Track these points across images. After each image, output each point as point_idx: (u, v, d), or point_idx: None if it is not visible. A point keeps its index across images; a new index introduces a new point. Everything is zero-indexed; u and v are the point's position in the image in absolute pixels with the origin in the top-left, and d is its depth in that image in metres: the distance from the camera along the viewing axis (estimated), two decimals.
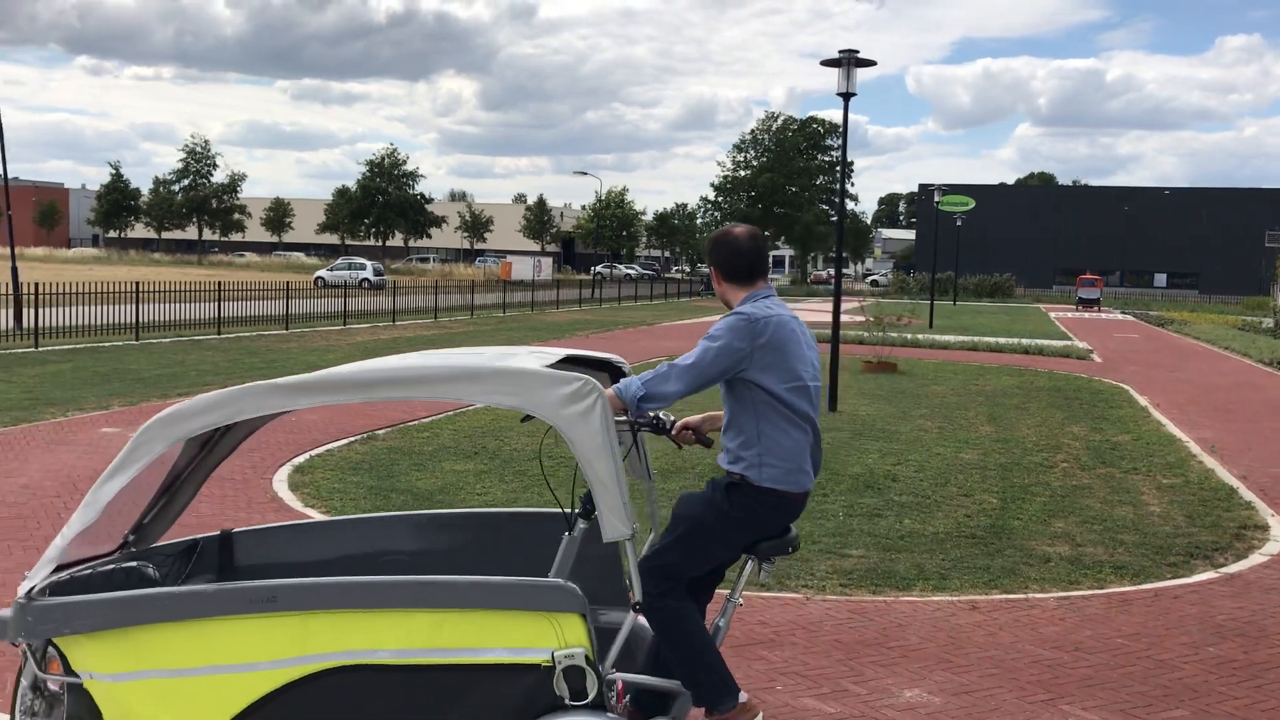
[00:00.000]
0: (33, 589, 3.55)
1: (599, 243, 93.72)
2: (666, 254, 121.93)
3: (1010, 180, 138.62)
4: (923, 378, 19.84)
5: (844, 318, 26.50)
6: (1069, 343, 30.33)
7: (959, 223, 55.44)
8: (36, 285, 22.22)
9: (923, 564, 7.50)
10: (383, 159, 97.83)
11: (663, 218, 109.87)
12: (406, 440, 11.77)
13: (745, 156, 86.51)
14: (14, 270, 24.42)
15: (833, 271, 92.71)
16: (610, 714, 3.49)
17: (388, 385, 3.54)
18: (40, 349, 20.53)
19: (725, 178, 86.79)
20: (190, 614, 3.48)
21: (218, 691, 3.52)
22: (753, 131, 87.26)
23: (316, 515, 8.36)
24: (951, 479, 10.54)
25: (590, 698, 3.45)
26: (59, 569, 3.68)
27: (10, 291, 23.00)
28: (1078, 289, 63.90)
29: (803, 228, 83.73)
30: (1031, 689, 5.31)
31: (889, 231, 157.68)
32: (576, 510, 4.00)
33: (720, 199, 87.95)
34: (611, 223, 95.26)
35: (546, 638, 3.46)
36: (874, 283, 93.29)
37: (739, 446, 3.91)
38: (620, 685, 3.66)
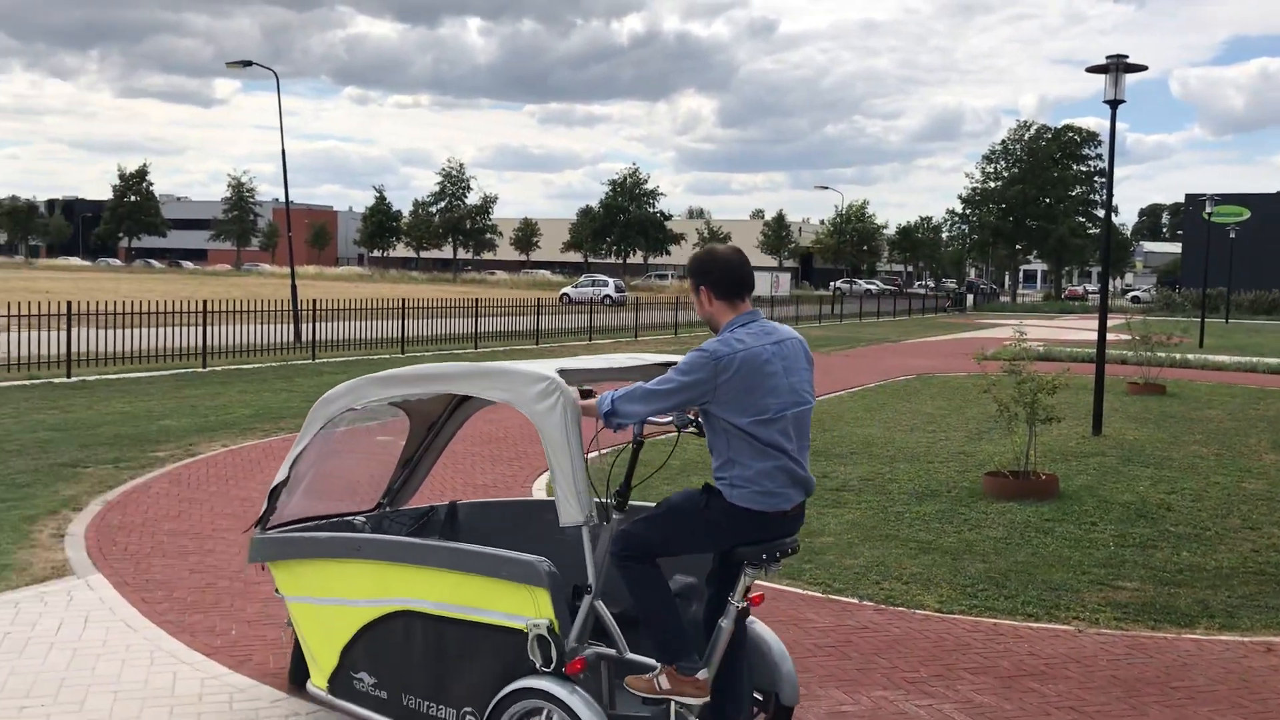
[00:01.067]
0: (256, 526, 4.90)
1: (839, 258, 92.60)
2: (909, 269, 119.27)
3: None
4: (1194, 401, 18.55)
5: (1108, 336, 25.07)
6: None
7: (1232, 235, 51.62)
8: (314, 302, 23.91)
9: (1206, 600, 7.00)
10: (624, 178, 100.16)
11: (906, 231, 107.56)
12: (650, 453, 11.91)
13: (995, 168, 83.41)
14: (293, 288, 26.40)
15: (1088, 287, 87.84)
16: (570, 682, 3.83)
17: (426, 380, 4.33)
18: (316, 361, 22.07)
19: (973, 189, 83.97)
20: (314, 554, 4.55)
21: (337, 620, 4.50)
22: (1003, 141, 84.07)
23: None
24: (1234, 510, 9.79)
25: (553, 666, 3.85)
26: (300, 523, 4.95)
27: (290, 308, 24.86)
28: None
29: (1056, 241, 79.92)
30: None
31: (1150, 245, 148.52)
32: (611, 502, 4.25)
33: (968, 211, 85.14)
34: (852, 237, 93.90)
35: (526, 607, 3.93)
36: (1135, 299, 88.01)
37: (717, 467, 4.04)
38: (582, 657, 3.93)
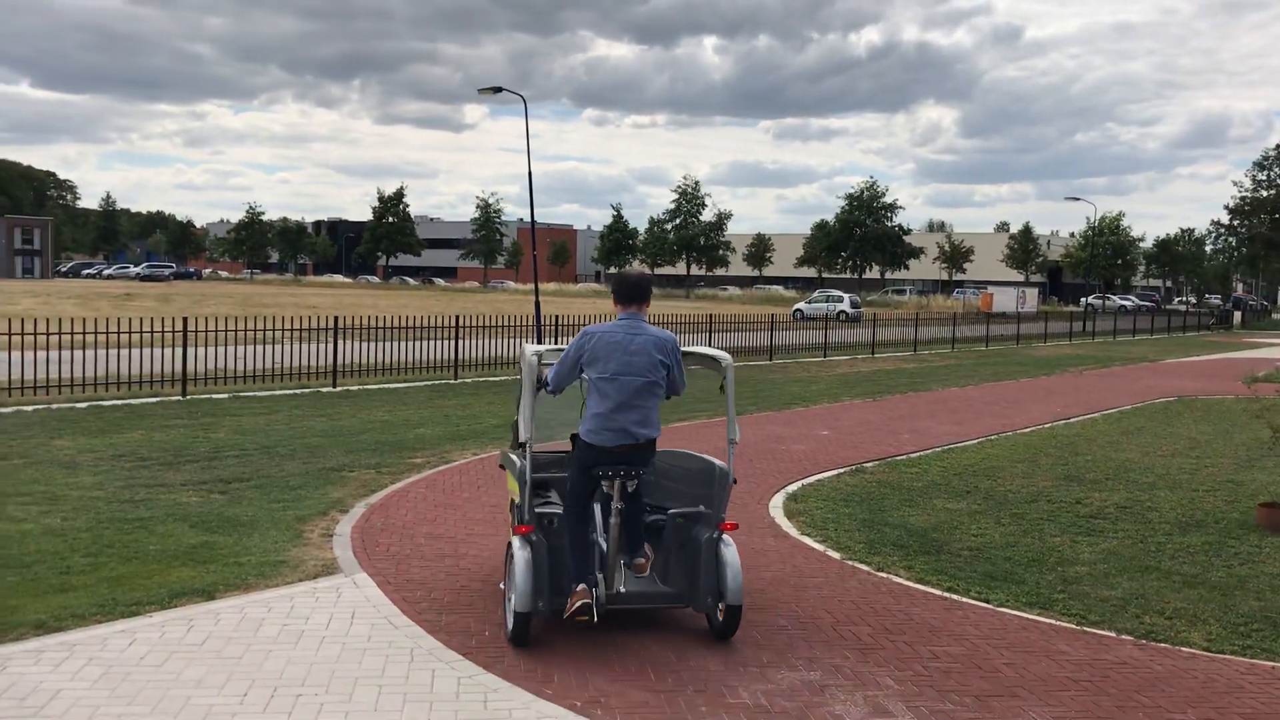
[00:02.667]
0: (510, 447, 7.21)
1: (1090, 272, 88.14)
2: (1168, 284, 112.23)
3: None
4: None
5: None
6: None
7: None
8: (557, 318, 24.70)
9: None
10: (861, 192, 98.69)
11: (1164, 245, 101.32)
12: (895, 475, 11.70)
13: (1268, 175, 77.37)
14: (537, 304, 27.36)
15: None
16: (520, 537, 6.12)
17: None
18: None
19: (1242, 199, 78.15)
20: (508, 468, 7.05)
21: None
22: (1277, 147, 77.99)
23: (813, 543, 8.53)
24: None
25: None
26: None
27: (533, 323, 25.78)
28: None
29: None
30: None
31: None
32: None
33: (1235, 222, 79.35)
34: (1105, 250, 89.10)
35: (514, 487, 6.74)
36: None
37: (581, 420, 6.05)
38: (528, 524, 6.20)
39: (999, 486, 11.11)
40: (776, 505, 9.97)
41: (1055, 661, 5.97)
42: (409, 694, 5.22)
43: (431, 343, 21.55)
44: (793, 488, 10.83)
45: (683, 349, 6.54)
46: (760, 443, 13.72)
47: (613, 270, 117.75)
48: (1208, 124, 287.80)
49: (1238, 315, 69.19)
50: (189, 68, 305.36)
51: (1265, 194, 77.00)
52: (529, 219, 30.49)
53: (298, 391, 18.11)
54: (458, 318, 22.13)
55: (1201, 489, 11.21)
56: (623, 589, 6.13)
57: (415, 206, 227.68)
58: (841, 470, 11.88)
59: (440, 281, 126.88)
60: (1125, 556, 8.32)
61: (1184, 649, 6.26)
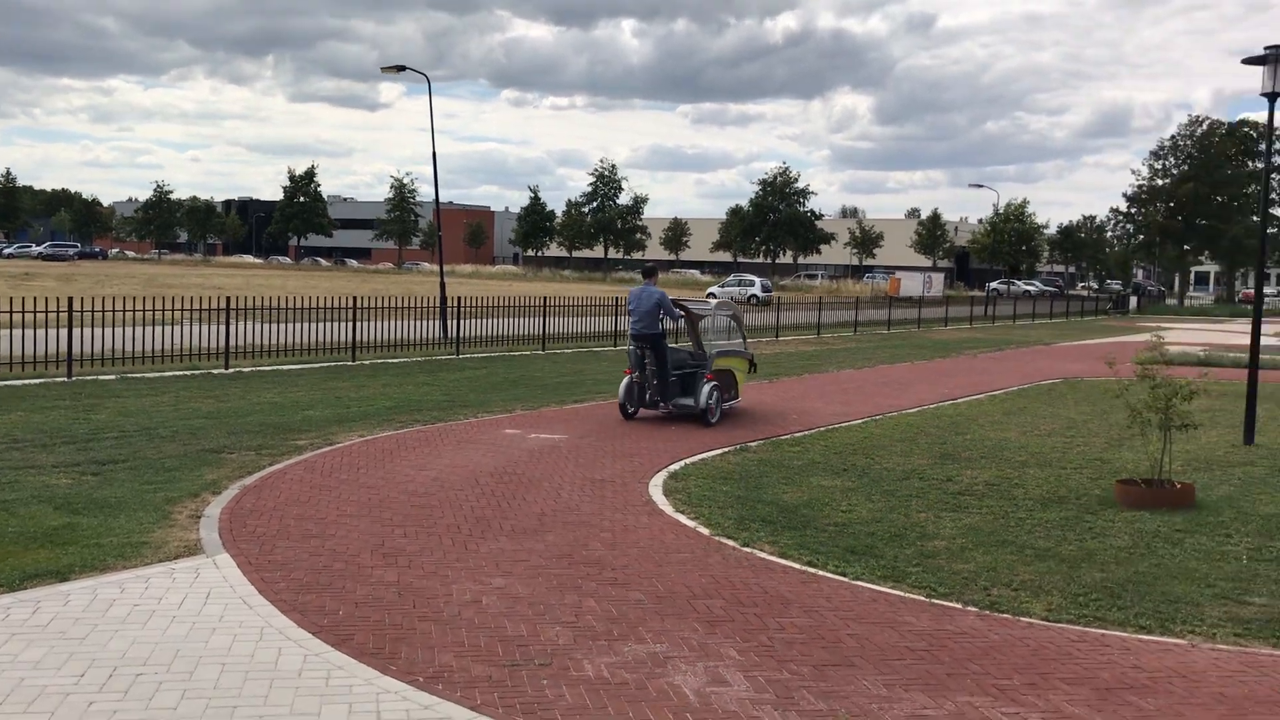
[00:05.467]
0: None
1: (995, 258, 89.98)
2: (1071, 269, 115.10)
3: None
4: None
5: (1275, 340, 23.81)
6: None
7: None
8: (459, 300, 24.60)
9: None
10: (774, 177, 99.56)
11: (1067, 231, 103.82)
12: (777, 453, 11.92)
13: (1164, 164, 79.63)
14: (442, 286, 27.20)
15: (1266, 290, 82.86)
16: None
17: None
18: (461, 356, 22.71)
19: (1140, 187, 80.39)
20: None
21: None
22: (1173, 137, 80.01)
23: (685, 520, 8.67)
24: None
25: None
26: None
27: (438, 304, 25.64)
28: None
29: (1230, 241, 75.83)
30: None
31: None
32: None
33: (1133, 210, 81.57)
34: (1010, 237, 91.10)
35: None
36: None
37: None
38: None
39: (876, 464, 11.38)
40: (656, 484, 10.09)
41: (898, 632, 6.17)
42: (251, 672, 5.22)
43: (331, 324, 21.33)
44: (675, 467, 10.97)
45: (674, 300, 14.62)
46: (649, 423, 13.85)
47: (530, 253, 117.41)
48: (1112, 114, 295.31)
49: (1134, 300, 71.28)
50: (95, 42, 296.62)
51: (1161, 183, 79.26)
52: (441, 200, 30.27)
53: (188, 373, 17.80)
54: (355, 298, 21.92)
55: (1070, 467, 11.60)
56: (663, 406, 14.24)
57: (330, 186, 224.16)
58: (726, 449, 12.06)
59: (353, 262, 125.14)
60: (984, 531, 8.60)
61: (1024, 619, 6.51)
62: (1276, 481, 11.08)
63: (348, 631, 5.84)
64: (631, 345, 14.08)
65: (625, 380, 14.20)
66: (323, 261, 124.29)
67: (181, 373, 17.80)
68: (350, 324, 21.23)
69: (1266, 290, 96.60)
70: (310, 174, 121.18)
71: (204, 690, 4.99)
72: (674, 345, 15.26)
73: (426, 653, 5.56)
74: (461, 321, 23.84)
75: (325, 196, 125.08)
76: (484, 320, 24.87)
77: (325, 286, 52.75)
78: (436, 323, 25.11)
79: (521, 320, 25.80)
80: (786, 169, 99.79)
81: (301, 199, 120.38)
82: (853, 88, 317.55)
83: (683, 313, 14.87)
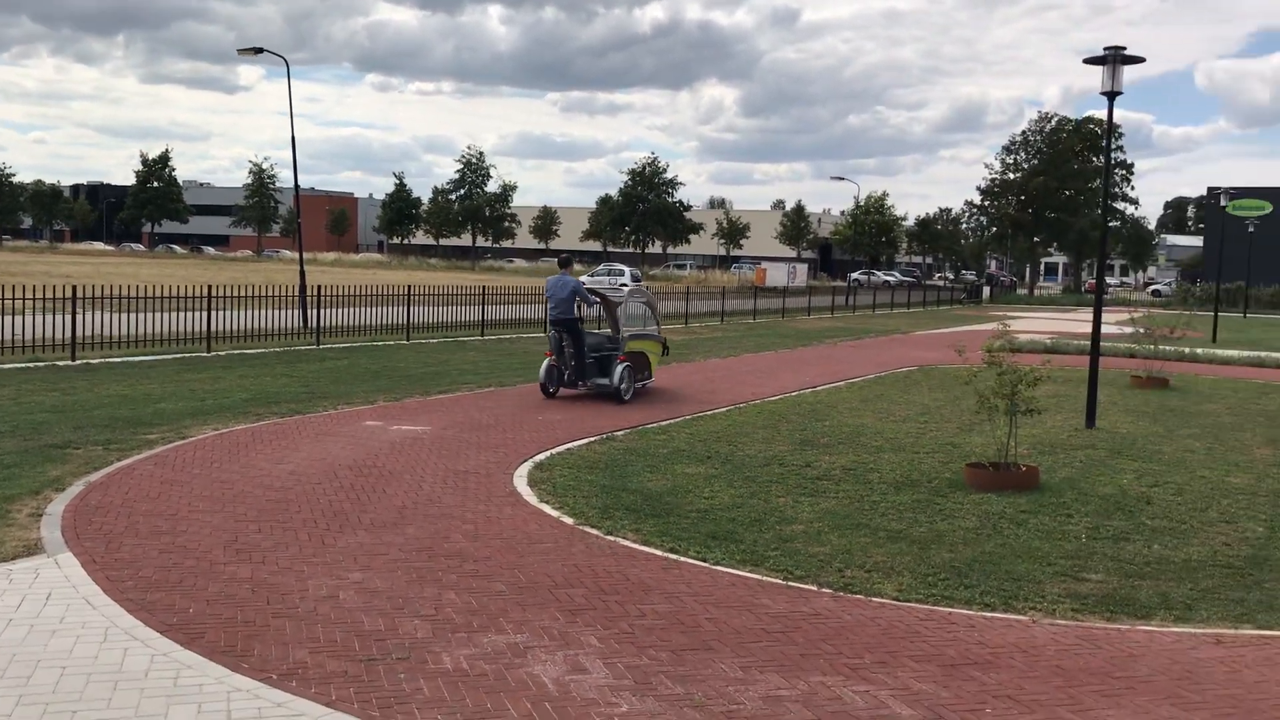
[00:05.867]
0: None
1: (857, 249, 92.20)
2: (929, 260, 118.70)
3: None
4: (1197, 395, 18.47)
5: (1116, 329, 25.01)
6: None
7: (1251, 229, 51.15)
8: (320, 288, 24.06)
9: (1168, 592, 7.01)
10: (643, 168, 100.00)
11: (925, 223, 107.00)
12: (643, 442, 12.01)
13: (1015, 159, 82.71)
14: (301, 274, 26.57)
15: (1109, 281, 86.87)
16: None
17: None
18: (321, 346, 22.23)
19: (993, 181, 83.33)
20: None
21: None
22: (1024, 133, 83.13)
23: (549, 510, 8.67)
24: (1214, 504, 9.78)
25: None
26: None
27: (298, 293, 25.02)
28: None
29: (1077, 234, 79.24)
30: None
31: (1175, 238, 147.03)
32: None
33: (986, 203, 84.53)
34: (870, 228, 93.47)
35: None
36: (1155, 292, 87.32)
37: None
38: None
39: (739, 451, 11.56)
40: (521, 475, 10.06)
41: (755, 615, 6.29)
42: (94, 674, 5.04)
43: (185, 314, 20.63)
44: (541, 457, 10.95)
45: (587, 286, 15.90)
46: (518, 414, 13.80)
47: (395, 240, 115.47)
48: (967, 110, 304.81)
49: (987, 290, 73.93)
50: None
51: (1012, 177, 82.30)
52: (302, 186, 29.52)
53: (30, 365, 17.01)
54: (211, 287, 21.23)
55: (922, 451, 11.99)
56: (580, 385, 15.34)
57: (185, 171, 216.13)
58: (593, 439, 12.10)
59: (210, 250, 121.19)
60: (841, 515, 8.83)
61: (875, 599, 6.71)
62: (1115, 463, 11.65)
63: (198, 630, 5.67)
64: (550, 330, 15.53)
65: (545, 362, 15.44)
66: (178, 249, 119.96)
67: (24, 365, 17.00)
68: (205, 313, 20.57)
69: (1109, 281, 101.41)
70: (165, 158, 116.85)
71: (41, 695, 4.79)
72: (594, 330, 16.79)
73: (280, 649, 5.44)
74: (322, 311, 23.33)
75: (181, 182, 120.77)
76: (346, 309, 24.38)
77: (180, 275, 50.93)
78: (296, 312, 24.50)
79: (385, 309, 25.38)
80: (655, 159, 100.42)
81: (155, 184, 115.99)
82: (720, 79, 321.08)
83: (598, 299, 16.46)
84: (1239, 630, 6.34)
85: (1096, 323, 15.15)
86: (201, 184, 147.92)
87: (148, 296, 20.42)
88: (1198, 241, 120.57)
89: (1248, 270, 59.33)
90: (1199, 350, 25.95)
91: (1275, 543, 8.41)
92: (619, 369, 15.07)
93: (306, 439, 11.45)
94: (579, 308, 15.45)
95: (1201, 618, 6.54)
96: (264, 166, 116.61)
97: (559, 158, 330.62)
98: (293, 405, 13.83)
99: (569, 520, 8.39)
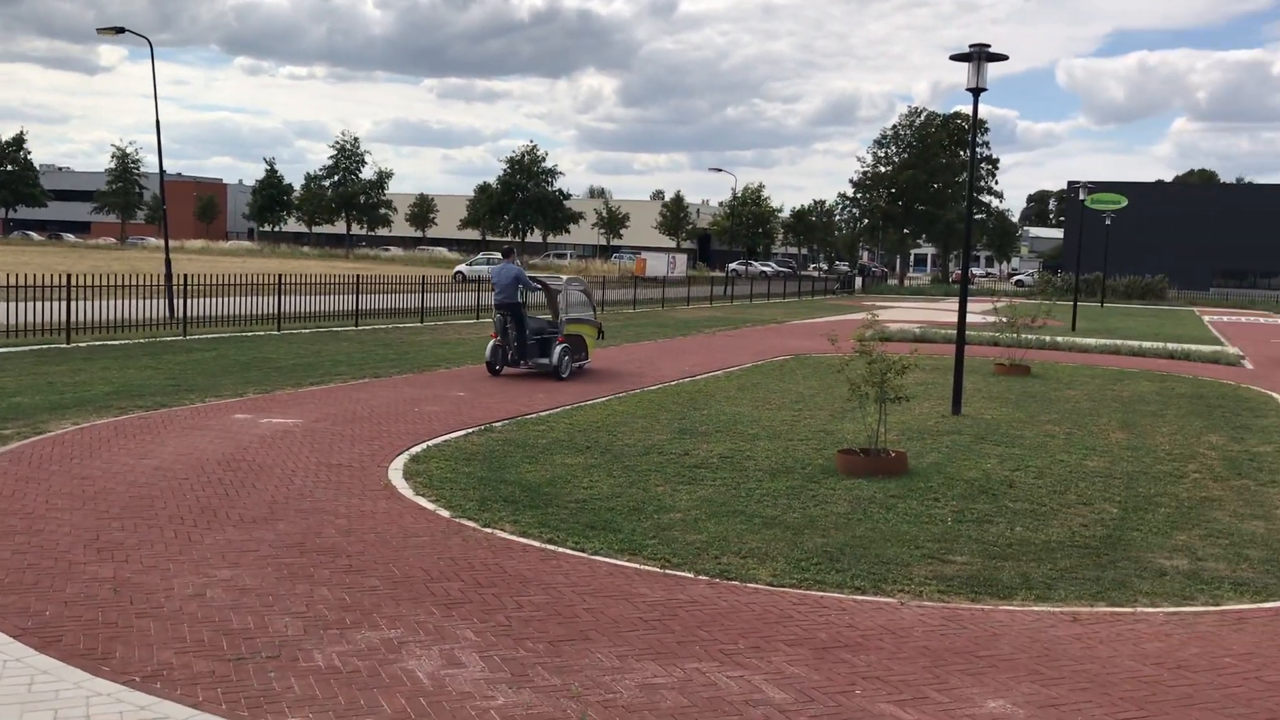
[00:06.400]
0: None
1: (735, 240, 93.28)
2: (804, 251, 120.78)
3: (1168, 177, 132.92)
4: (1056, 381, 19.22)
5: (980, 319, 25.88)
6: (1219, 348, 28.96)
7: (1108, 221, 53.42)
8: (186, 277, 23.31)
9: (1029, 573, 7.29)
10: (522, 156, 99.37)
11: (800, 215, 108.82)
12: (522, 433, 11.96)
13: (886, 153, 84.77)
14: (167, 262, 25.70)
15: (975, 272, 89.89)
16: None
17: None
18: (188, 337, 21.55)
19: (865, 174, 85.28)
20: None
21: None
22: (894, 127, 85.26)
23: (425, 503, 8.58)
24: (1072, 487, 10.19)
25: None
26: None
27: (164, 283, 24.19)
28: None
29: (944, 226, 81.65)
30: (1123, 705, 5.11)
31: (1037, 230, 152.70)
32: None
33: (859, 195, 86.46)
34: (747, 220, 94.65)
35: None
36: (1019, 283, 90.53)
37: None
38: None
39: (618, 441, 11.60)
40: (396, 467, 9.92)
41: (632, 603, 6.33)
42: None
43: (43, 303, 19.76)
44: (417, 449, 10.82)
45: (532, 276, 17.57)
46: (393, 405, 13.60)
47: (266, 228, 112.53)
48: (841, 103, 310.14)
49: (859, 281, 75.66)
50: None
51: (884, 170, 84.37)
52: (168, 171, 28.52)
53: None
54: (69, 275, 20.39)
55: (797, 439, 12.22)
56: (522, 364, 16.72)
57: (42, 155, 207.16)
58: (471, 430, 12.00)
59: (70, 237, 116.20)
60: (717, 502, 8.94)
61: (750, 585, 6.82)
62: (980, 448, 12.05)
63: (55, 633, 5.45)
64: (496, 314, 17.10)
65: (491, 343, 17.07)
66: (35, 235, 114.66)
67: None
68: (65, 303, 19.74)
69: (975, 271, 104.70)
70: (19, 140, 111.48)
71: None
72: (536, 316, 18.05)
73: (144, 651, 5.27)
74: (190, 300, 22.61)
75: (38, 165, 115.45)
76: (215, 299, 23.68)
77: (38, 262, 48.72)
78: (162, 302, 23.69)
79: (256, 299, 24.70)
80: (534, 148, 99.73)
81: (10, 168, 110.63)
82: (598, 69, 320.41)
83: (540, 286, 17.87)
84: (1094, 608, 6.62)
85: (962, 313, 15.63)
86: (60, 168, 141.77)
87: (3, 285, 19.49)
88: (1058, 234, 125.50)
89: (1105, 261, 61.96)
90: (1059, 339, 27.03)
91: (1129, 524, 8.81)
92: (558, 349, 16.77)
93: (173, 433, 11.09)
94: (521, 293, 17.05)
95: (1060, 597, 6.81)
96: (128, 151, 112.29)
97: (436, 145, 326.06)
98: (158, 398, 13.38)
99: (445, 513, 8.31)
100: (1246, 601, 6.85)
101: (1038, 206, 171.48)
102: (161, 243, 73.03)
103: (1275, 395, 18.42)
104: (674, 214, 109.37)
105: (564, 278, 19.04)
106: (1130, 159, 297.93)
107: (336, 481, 9.21)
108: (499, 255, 20.71)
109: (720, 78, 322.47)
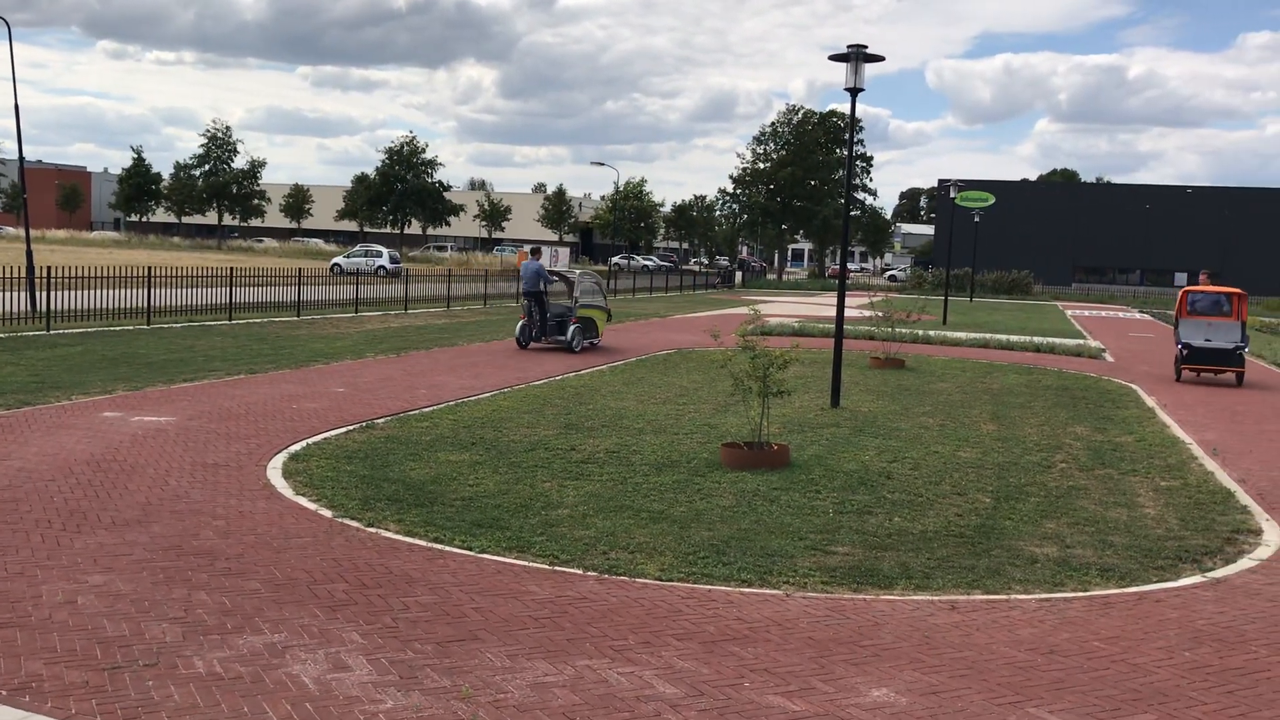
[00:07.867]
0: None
1: (617, 234, 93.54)
2: (685, 245, 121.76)
3: (1032, 176, 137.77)
4: (930, 374, 19.76)
5: (857, 313, 26.50)
6: (1082, 341, 30.14)
7: (977, 219, 55.13)
8: (49, 269, 22.36)
9: (908, 563, 7.49)
10: (401, 146, 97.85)
11: (681, 209, 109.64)
12: (405, 429, 11.80)
13: (765, 149, 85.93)
14: (29, 253, 24.61)
15: (850, 267, 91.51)
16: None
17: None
18: (52, 332, 20.68)
19: (744, 170, 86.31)
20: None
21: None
22: (773, 124, 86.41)
23: (306, 503, 8.40)
24: (947, 477, 10.50)
25: None
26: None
27: (25, 274, 23.16)
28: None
29: (821, 222, 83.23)
30: (1000, 690, 5.29)
31: (909, 226, 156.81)
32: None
33: (739, 191, 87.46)
34: (629, 214, 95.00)
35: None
36: (892, 278, 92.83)
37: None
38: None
39: (503, 437, 11.54)
40: (275, 466, 9.70)
41: (522, 601, 6.31)
42: None
43: None
44: (296, 447, 10.58)
45: (551, 270, 22.48)
46: (270, 402, 13.28)
47: (134, 218, 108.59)
48: (719, 100, 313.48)
49: (739, 275, 76.61)
50: None
51: (762, 166, 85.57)
52: (28, 158, 27.25)
53: None
54: None
55: (682, 433, 12.32)
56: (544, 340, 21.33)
57: None
58: (351, 427, 11.79)
59: None
60: (605, 498, 8.96)
61: (639, 580, 6.85)
62: (858, 441, 12.32)
63: None
64: (523, 300, 21.70)
65: (520, 323, 21.57)
66: None
67: None
68: None
69: (850, 267, 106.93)
70: None
71: None
72: (558, 302, 22.25)
73: (11, 662, 5.05)
74: (53, 293, 21.68)
75: None
76: (80, 291, 22.75)
77: None
78: (23, 294, 22.66)
79: (124, 292, 23.82)
80: (413, 138, 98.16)
81: None
82: (478, 60, 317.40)
83: (557, 278, 22.59)
84: (971, 596, 6.84)
85: (840, 308, 15.95)
86: None
87: None
88: (929, 230, 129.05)
89: (974, 257, 63.93)
90: (931, 333, 27.80)
91: (1001, 513, 9.12)
92: (571, 329, 20.99)
93: (37, 432, 10.64)
94: (543, 284, 21.67)
95: (938, 586, 7.02)
96: None
97: (311, 134, 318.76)
98: (20, 396, 12.81)
99: (327, 513, 8.15)
100: (1112, 587, 7.16)
101: (909, 204, 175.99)
102: (21, 232, 70.14)
103: (1135, 387, 19.27)
104: (556, 207, 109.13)
105: (578, 271, 23.33)
106: (997, 158, 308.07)
107: (213, 481, 8.95)
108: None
109: (600, 72, 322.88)
